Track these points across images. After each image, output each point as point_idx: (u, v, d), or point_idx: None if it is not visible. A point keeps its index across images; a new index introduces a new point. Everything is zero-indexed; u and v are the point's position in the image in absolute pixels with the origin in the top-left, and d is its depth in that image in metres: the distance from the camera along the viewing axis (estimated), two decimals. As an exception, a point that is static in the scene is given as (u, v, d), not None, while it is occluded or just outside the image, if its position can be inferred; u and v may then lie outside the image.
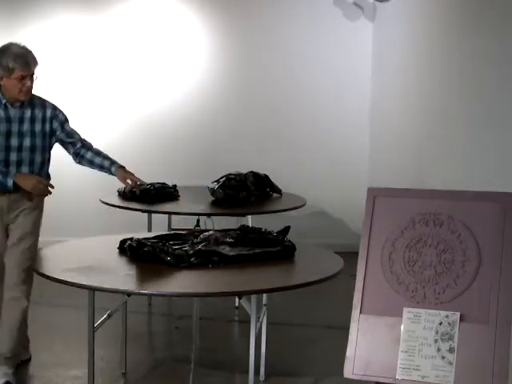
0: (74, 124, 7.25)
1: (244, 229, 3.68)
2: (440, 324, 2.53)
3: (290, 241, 3.56)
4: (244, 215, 5.35)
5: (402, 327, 2.56)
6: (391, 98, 6.44)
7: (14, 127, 3.76)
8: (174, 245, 3.36)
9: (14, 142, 3.75)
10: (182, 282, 3.13)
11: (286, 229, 3.67)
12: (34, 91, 3.94)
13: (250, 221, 5.31)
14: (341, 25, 7.15)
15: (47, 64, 7.17)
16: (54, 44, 7.18)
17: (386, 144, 6.61)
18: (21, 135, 3.77)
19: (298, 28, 7.17)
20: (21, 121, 3.79)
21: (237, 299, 4.88)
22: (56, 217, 7.16)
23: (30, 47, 7.10)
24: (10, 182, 3.62)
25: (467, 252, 2.56)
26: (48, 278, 3.14)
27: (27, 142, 3.79)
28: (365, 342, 2.59)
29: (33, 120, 3.85)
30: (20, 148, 3.77)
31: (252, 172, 5.34)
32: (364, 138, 7.22)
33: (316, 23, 7.16)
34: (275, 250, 3.44)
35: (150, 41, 7.20)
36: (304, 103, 7.09)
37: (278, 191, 5.51)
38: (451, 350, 2.48)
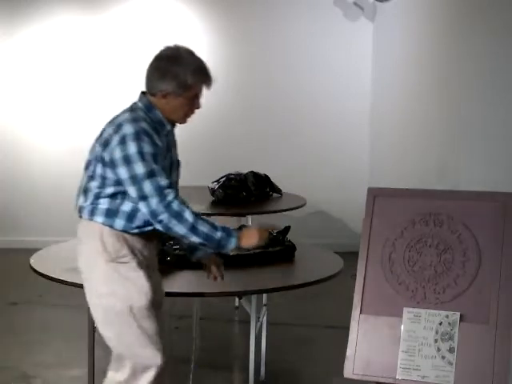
0: (74, 124, 7.29)
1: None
2: (440, 324, 2.53)
3: (290, 241, 3.56)
4: (244, 215, 5.34)
5: (402, 327, 2.56)
6: (391, 98, 6.44)
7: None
8: (174, 245, 3.37)
9: (174, 175, 2.77)
10: (181, 282, 3.13)
11: (286, 229, 3.68)
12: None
13: (250, 221, 5.31)
14: (341, 25, 7.15)
15: (47, 64, 7.19)
16: (54, 44, 7.18)
17: (386, 144, 6.61)
18: (173, 167, 2.78)
19: (298, 28, 7.17)
20: (169, 149, 2.72)
21: (237, 299, 4.87)
22: (56, 217, 7.18)
23: (29, 47, 7.07)
24: (233, 243, 2.56)
25: (467, 252, 2.56)
26: (48, 278, 3.14)
27: (174, 175, 2.79)
28: (365, 341, 2.59)
29: (175, 147, 2.83)
30: (176, 182, 2.82)
31: (252, 172, 5.33)
32: (364, 138, 7.22)
33: (316, 23, 7.16)
34: (275, 250, 3.44)
35: (149, 41, 7.18)
36: (304, 103, 7.08)
37: (278, 191, 5.51)
38: (451, 350, 2.48)
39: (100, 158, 2.53)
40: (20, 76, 7.22)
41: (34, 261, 3.38)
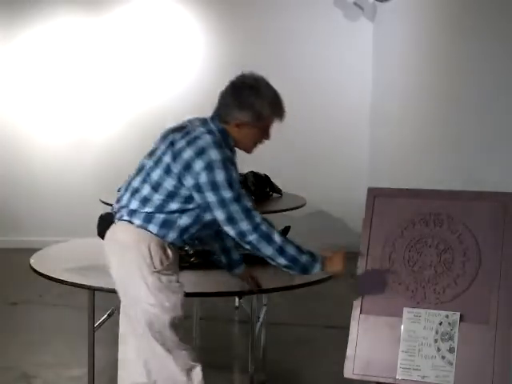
0: (75, 124, 7.29)
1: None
2: (440, 324, 2.53)
3: (290, 241, 3.56)
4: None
5: (402, 327, 2.56)
6: (391, 98, 6.43)
7: None
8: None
9: None
10: (182, 282, 3.13)
11: (286, 229, 3.67)
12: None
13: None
14: (341, 25, 7.14)
15: (49, 64, 7.19)
16: (55, 44, 7.17)
17: (386, 144, 6.61)
18: None
19: (298, 28, 7.17)
20: None
21: (237, 299, 4.87)
22: (56, 217, 7.19)
23: (31, 48, 7.10)
24: (317, 268, 2.57)
25: (467, 252, 2.56)
26: (48, 278, 3.14)
27: None
28: (365, 341, 2.59)
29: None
30: None
31: (252, 172, 5.33)
32: (364, 138, 7.21)
33: (316, 23, 7.15)
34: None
35: (149, 41, 7.20)
36: (304, 103, 7.08)
37: (278, 191, 5.50)
38: (451, 350, 2.48)
39: (168, 169, 2.51)
40: (23, 76, 7.21)
41: (34, 261, 3.38)
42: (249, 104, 2.58)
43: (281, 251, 2.48)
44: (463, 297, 2.52)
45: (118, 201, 2.66)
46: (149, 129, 7.18)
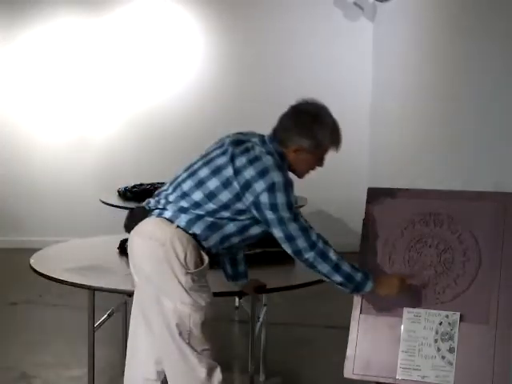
0: (75, 124, 7.29)
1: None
2: (440, 324, 2.53)
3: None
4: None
5: (402, 327, 2.56)
6: (391, 98, 6.43)
7: None
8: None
9: None
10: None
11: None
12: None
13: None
14: (341, 25, 7.14)
15: (48, 65, 7.19)
16: (54, 46, 7.18)
17: (386, 144, 6.61)
18: None
19: (299, 28, 7.16)
20: None
21: (237, 299, 4.87)
22: (56, 217, 7.19)
23: (31, 49, 7.12)
24: (369, 287, 2.55)
25: (467, 252, 2.56)
26: (48, 278, 3.14)
27: None
28: (365, 341, 2.59)
29: None
30: None
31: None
32: (364, 138, 7.21)
33: (316, 23, 7.15)
34: (275, 250, 3.43)
35: (149, 42, 7.20)
36: (304, 103, 7.08)
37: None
38: (451, 350, 2.48)
39: (227, 183, 2.52)
40: (23, 76, 7.22)
41: (34, 261, 3.38)
42: (311, 132, 2.65)
43: (336, 269, 2.51)
44: (463, 297, 2.52)
45: (160, 197, 2.65)
46: (148, 129, 7.25)
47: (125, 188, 5.37)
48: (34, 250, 3.63)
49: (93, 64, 7.19)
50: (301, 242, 2.50)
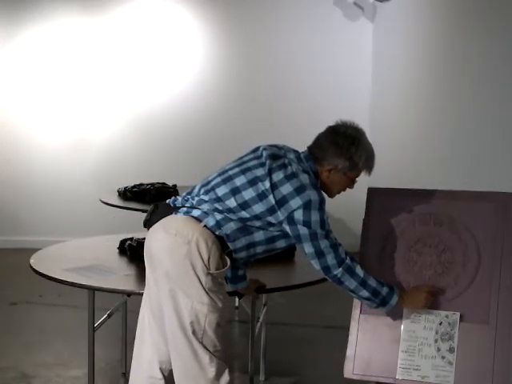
0: (75, 124, 7.29)
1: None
2: (440, 324, 2.53)
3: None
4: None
5: (402, 327, 2.56)
6: (391, 98, 6.43)
7: None
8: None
9: None
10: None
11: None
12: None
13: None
14: (341, 25, 7.14)
15: (48, 64, 7.20)
16: (54, 45, 7.18)
17: (386, 144, 6.61)
18: None
19: (299, 28, 7.16)
20: None
21: (237, 299, 4.87)
22: (56, 217, 7.19)
23: (31, 49, 7.12)
24: (395, 301, 2.56)
25: (467, 252, 2.56)
26: (48, 278, 3.14)
27: None
28: (365, 341, 2.59)
29: None
30: None
31: (252, 172, 5.31)
32: (364, 138, 7.21)
33: (316, 23, 7.15)
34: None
35: (149, 42, 7.20)
36: (304, 103, 7.08)
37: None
38: (451, 350, 2.48)
39: (263, 196, 2.54)
40: (23, 76, 7.21)
41: (34, 261, 3.38)
42: (348, 154, 2.67)
43: (363, 284, 2.53)
44: (463, 297, 2.52)
45: (190, 196, 2.65)
46: (148, 129, 7.26)
47: (125, 188, 5.36)
48: (33, 250, 3.62)
49: (93, 64, 7.19)
50: (330, 259, 2.53)
